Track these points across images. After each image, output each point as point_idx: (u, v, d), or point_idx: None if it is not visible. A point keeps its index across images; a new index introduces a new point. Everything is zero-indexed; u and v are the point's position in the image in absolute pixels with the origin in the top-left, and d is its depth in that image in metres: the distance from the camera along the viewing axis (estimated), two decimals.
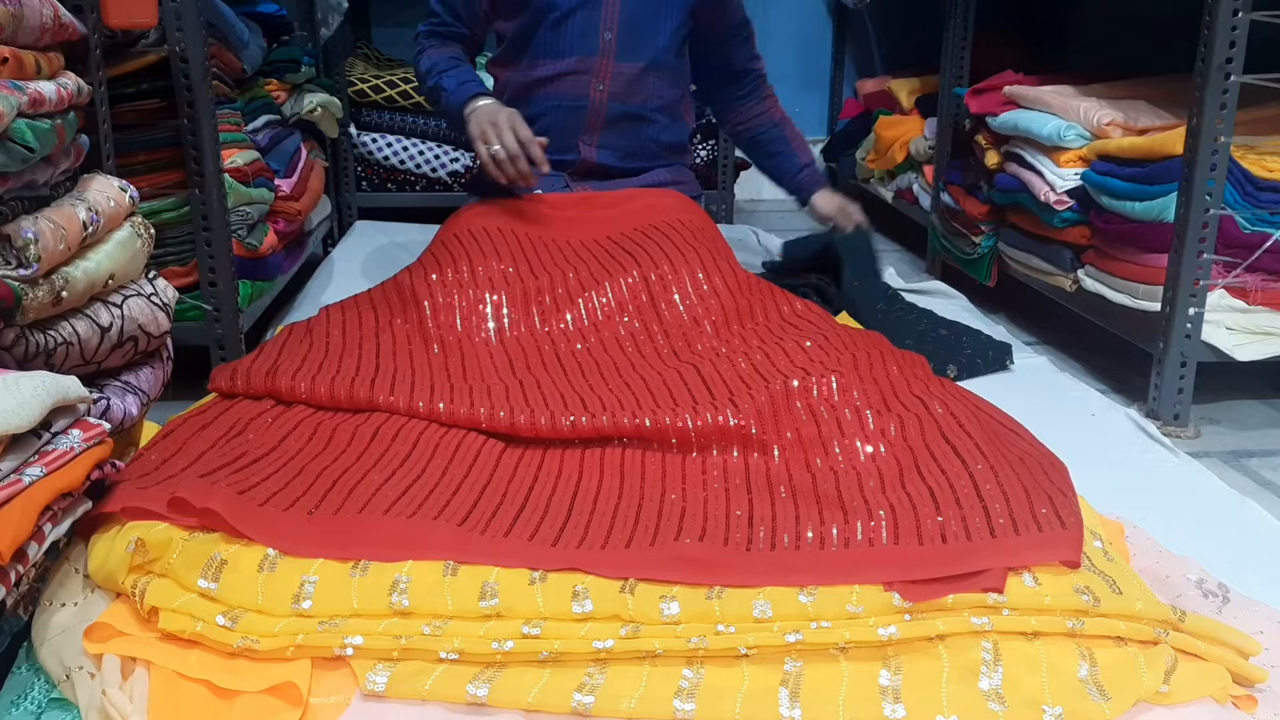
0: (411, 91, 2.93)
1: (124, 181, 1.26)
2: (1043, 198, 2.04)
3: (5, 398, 0.86)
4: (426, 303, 1.54)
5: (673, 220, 1.76)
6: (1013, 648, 0.87)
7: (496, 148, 1.76)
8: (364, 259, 2.42)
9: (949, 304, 2.19)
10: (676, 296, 1.57)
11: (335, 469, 1.11)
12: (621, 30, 1.90)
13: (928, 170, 2.70)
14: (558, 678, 0.87)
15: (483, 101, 1.84)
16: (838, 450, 1.20)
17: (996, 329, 2.07)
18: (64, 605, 0.95)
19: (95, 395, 1.11)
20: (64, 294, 1.07)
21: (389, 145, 2.96)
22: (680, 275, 1.60)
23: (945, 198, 2.53)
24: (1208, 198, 1.69)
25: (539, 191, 1.96)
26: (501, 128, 1.77)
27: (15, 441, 0.88)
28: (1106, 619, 0.89)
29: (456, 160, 2.97)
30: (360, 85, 2.93)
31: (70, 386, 0.94)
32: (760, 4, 3.42)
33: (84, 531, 1.00)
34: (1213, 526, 1.31)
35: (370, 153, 2.96)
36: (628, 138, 1.97)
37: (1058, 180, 2.02)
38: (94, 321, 1.13)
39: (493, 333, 1.52)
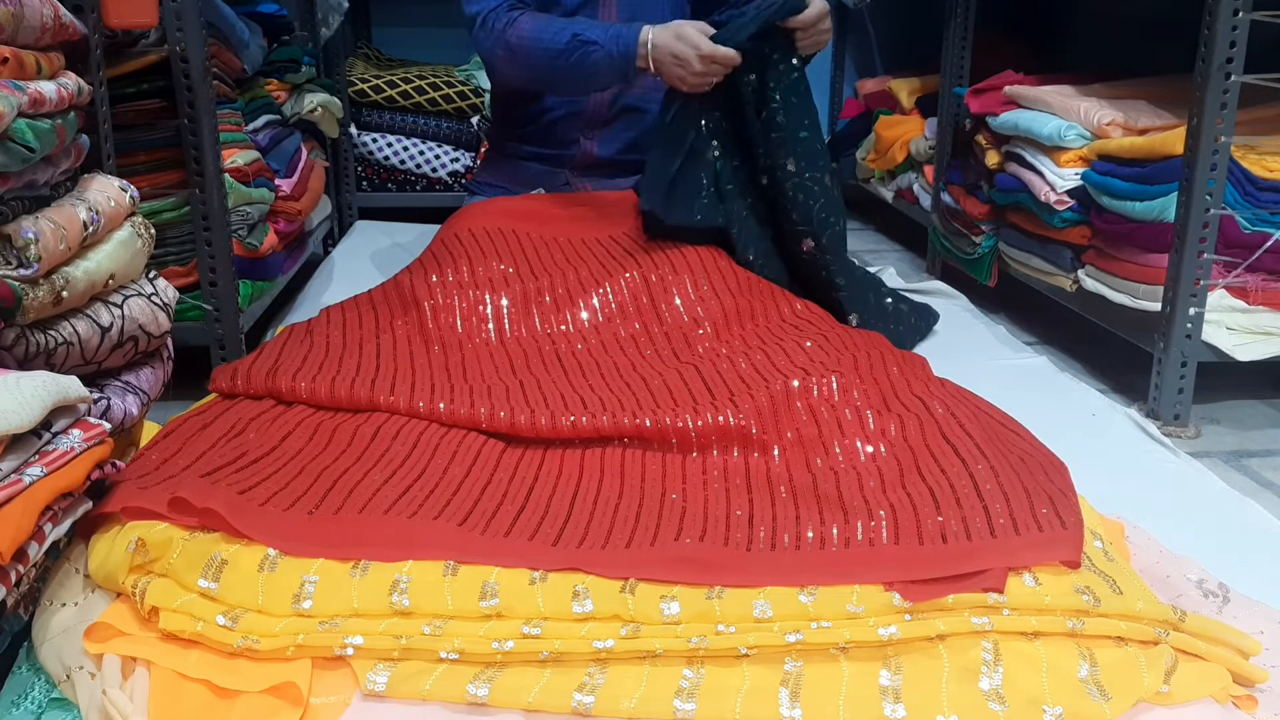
0: (412, 91, 2.93)
1: (124, 181, 1.26)
2: (1043, 198, 2.04)
3: (5, 398, 0.86)
4: (427, 303, 1.54)
5: None
6: (1013, 648, 0.87)
7: (713, 81, 1.69)
8: (364, 259, 2.42)
9: (949, 304, 2.19)
10: (677, 298, 1.57)
11: (335, 469, 1.11)
12: None
13: (928, 170, 2.70)
14: (558, 678, 0.87)
15: (653, 50, 1.70)
16: (838, 450, 1.20)
17: (996, 329, 2.08)
18: (64, 605, 0.95)
19: (95, 395, 1.11)
20: (64, 294, 1.07)
21: (389, 145, 2.96)
22: (680, 276, 1.60)
23: (945, 198, 2.53)
24: (1208, 198, 1.69)
25: (540, 191, 1.96)
26: (700, 74, 1.68)
27: (15, 441, 0.88)
28: (1107, 619, 0.89)
29: (457, 160, 2.97)
30: (360, 85, 2.92)
31: (70, 386, 0.94)
32: None
33: (84, 531, 1.00)
34: (1213, 526, 1.31)
35: (370, 153, 2.96)
36: (628, 130, 1.98)
37: (1058, 180, 2.02)
38: (94, 321, 1.13)
39: (493, 333, 1.52)
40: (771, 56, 1.72)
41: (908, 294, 2.21)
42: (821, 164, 1.75)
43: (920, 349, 1.86)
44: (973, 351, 1.92)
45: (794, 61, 1.73)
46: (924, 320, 1.96)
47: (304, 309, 2.07)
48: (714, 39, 1.68)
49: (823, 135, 1.79)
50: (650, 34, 1.70)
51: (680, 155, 1.73)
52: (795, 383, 1.29)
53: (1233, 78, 1.64)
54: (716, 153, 1.77)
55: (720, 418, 1.22)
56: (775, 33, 1.71)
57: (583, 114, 1.95)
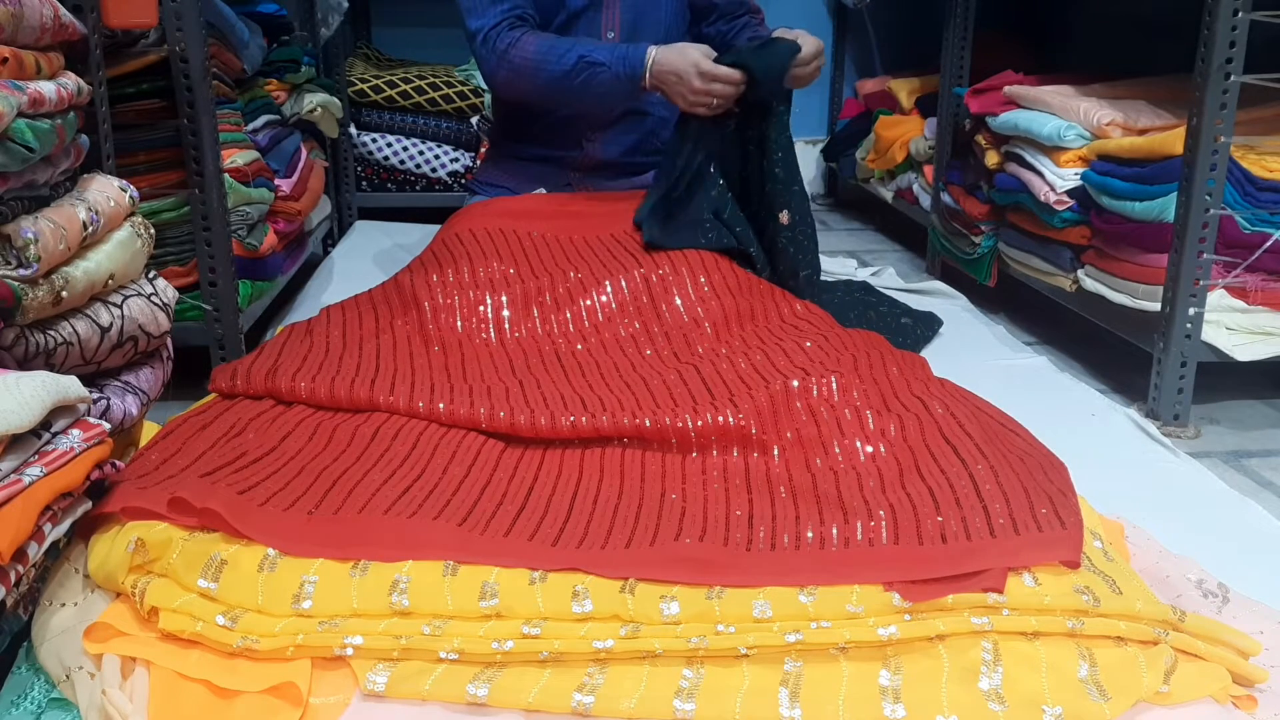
0: (411, 91, 2.93)
1: (124, 181, 1.26)
2: (1043, 198, 2.03)
3: (5, 398, 0.86)
4: (427, 303, 1.54)
5: None
6: (1013, 648, 0.87)
7: (715, 103, 1.71)
8: (364, 259, 2.42)
9: (949, 304, 2.19)
10: (677, 298, 1.57)
11: (335, 469, 1.11)
12: (624, 30, 1.91)
13: (928, 170, 2.70)
14: (558, 678, 0.87)
15: (654, 66, 1.73)
16: (838, 450, 1.20)
17: (996, 329, 2.08)
18: (64, 605, 0.95)
19: (95, 395, 1.11)
20: (64, 294, 1.07)
21: (389, 145, 2.96)
22: (681, 276, 1.60)
23: (945, 198, 2.53)
24: (1208, 198, 1.69)
25: (542, 190, 1.96)
26: (699, 92, 1.70)
27: (15, 441, 0.88)
28: (1106, 619, 0.89)
29: (456, 160, 2.97)
30: (360, 85, 2.92)
31: (70, 386, 0.94)
32: (760, 4, 3.42)
33: (84, 531, 1.00)
34: (1213, 526, 1.31)
35: (370, 153, 2.96)
36: (631, 132, 1.98)
37: (1058, 180, 2.02)
38: (94, 321, 1.13)
39: (493, 333, 1.52)
40: (776, 107, 1.75)
41: (907, 294, 2.21)
42: (810, 218, 1.81)
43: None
44: (973, 351, 1.92)
45: (785, 116, 1.76)
46: (929, 328, 1.96)
47: (304, 309, 2.07)
48: (716, 60, 1.71)
49: (805, 186, 1.83)
50: (654, 53, 1.73)
51: (682, 182, 1.75)
52: (795, 383, 1.29)
53: (1233, 78, 1.64)
54: (721, 183, 1.79)
55: (720, 418, 1.22)
56: (773, 82, 1.73)
57: (586, 116, 1.95)
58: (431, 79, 2.96)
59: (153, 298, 1.24)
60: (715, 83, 1.70)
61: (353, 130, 2.93)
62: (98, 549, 0.96)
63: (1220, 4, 1.61)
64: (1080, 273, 2.01)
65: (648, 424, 1.22)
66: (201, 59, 1.69)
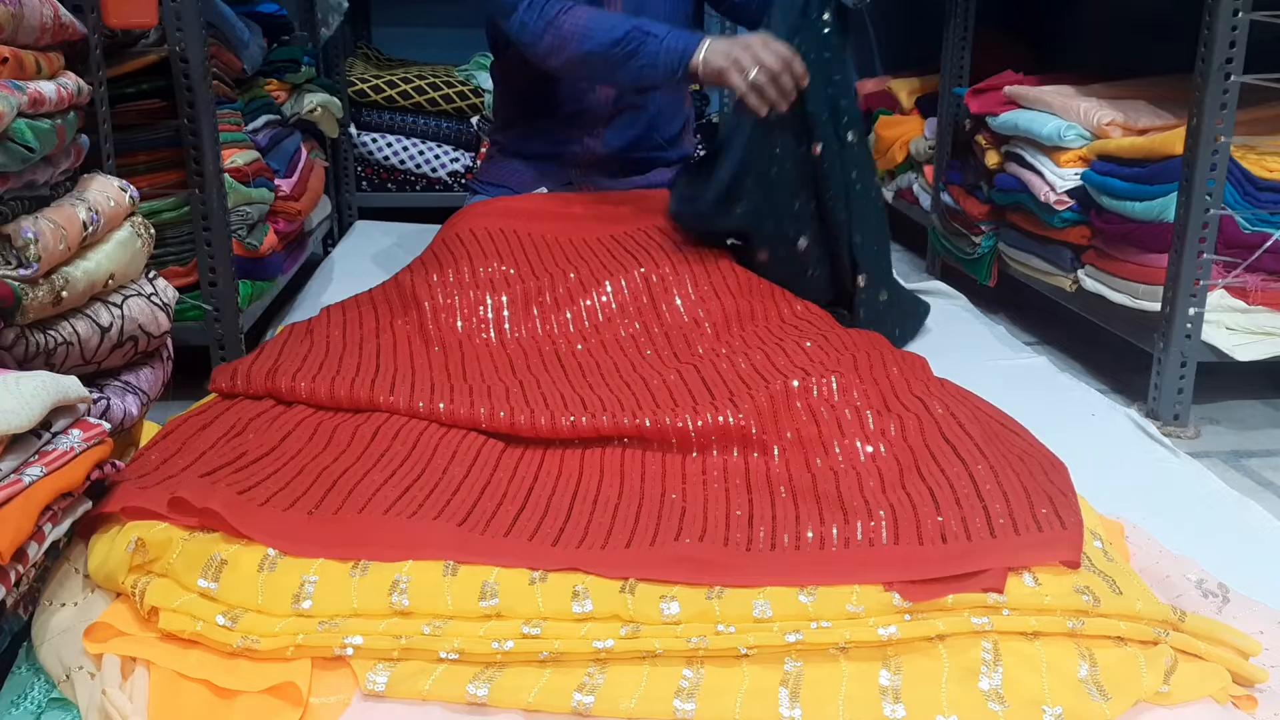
0: (411, 91, 2.93)
1: (124, 181, 1.26)
2: (1043, 198, 2.04)
3: (5, 398, 0.86)
4: (427, 303, 1.54)
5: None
6: (1013, 648, 0.87)
7: (755, 71, 1.59)
8: (364, 259, 2.42)
9: (949, 304, 2.19)
10: (677, 298, 1.57)
11: (335, 469, 1.11)
12: None
13: (928, 170, 2.70)
14: (558, 678, 0.87)
15: (711, 38, 1.67)
16: (838, 450, 1.20)
17: (996, 329, 2.08)
18: (64, 605, 0.95)
19: (95, 395, 1.11)
20: (64, 294, 1.07)
21: (389, 145, 2.96)
22: (681, 276, 1.60)
23: (945, 198, 2.53)
24: (1208, 198, 1.69)
25: (543, 190, 1.96)
26: (755, 48, 1.60)
27: (15, 441, 0.88)
28: (1106, 619, 0.89)
29: (456, 160, 2.97)
30: (360, 85, 2.93)
31: (70, 386, 0.94)
32: (759, 6, 3.42)
33: (84, 531, 1.00)
34: (1213, 526, 1.31)
35: (370, 153, 2.97)
36: (630, 128, 1.98)
37: (1058, 180, 2.02)
38: (94, 321, 1.13)
39: (493, 333, 1.52)
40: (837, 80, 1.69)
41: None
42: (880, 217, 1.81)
43: (920, 349, 1.86)
44: (973, 351, 1.92)
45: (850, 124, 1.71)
46: (916, 318, 1.96)
47: (304, 309, 2.07)
48: None
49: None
50: (710, 37, 1.68)
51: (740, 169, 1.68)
52: (795, 383, 1.29)
53: (1233, 78, 1.64)
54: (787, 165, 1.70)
55: (720, 418, 1.22)
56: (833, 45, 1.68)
57: (586, 112, 1.95)
58: (431, 79, 2.96)
59: (153, 298, 1.24)
60: (769, 49, 1.59)
61: (353, 130, 2.93)
62: (98, 549, 0.96)
63: (1220, 4, 1.61)
64: (1080, 273, 2.01)
65: (648, 424, 1.22)
66: (201, 59, 1.69)
